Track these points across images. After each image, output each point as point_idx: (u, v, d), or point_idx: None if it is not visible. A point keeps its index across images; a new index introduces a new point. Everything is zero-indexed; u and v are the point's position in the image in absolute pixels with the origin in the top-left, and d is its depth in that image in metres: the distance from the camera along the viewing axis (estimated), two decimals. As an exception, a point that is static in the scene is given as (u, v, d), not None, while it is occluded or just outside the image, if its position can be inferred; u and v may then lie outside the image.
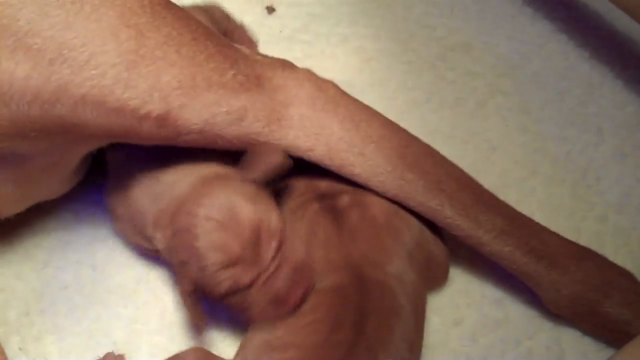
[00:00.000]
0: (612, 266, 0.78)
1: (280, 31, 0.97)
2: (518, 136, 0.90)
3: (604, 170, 0.89)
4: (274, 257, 0.70)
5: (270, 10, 0.99)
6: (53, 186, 0.78)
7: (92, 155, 0.78)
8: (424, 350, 0.73)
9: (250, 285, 0.69)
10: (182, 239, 0.69)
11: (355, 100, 0.77)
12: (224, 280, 0.68)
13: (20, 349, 0.78)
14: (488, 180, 0.79)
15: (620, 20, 0.97)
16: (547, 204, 0.86)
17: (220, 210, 0.69)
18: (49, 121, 0.64)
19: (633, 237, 0.85)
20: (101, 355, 0.77)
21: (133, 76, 0.65)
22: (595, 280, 0.76)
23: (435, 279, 0.79)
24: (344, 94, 0.76)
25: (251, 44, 0.93)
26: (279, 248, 0.70)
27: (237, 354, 0.72)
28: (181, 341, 0.78)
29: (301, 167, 0.75)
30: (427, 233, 0.76)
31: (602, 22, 0.97)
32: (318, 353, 0.67)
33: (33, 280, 0.82)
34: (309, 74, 0.75)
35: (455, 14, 0.98)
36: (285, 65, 0.75)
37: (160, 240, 0.73)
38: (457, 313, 0.78)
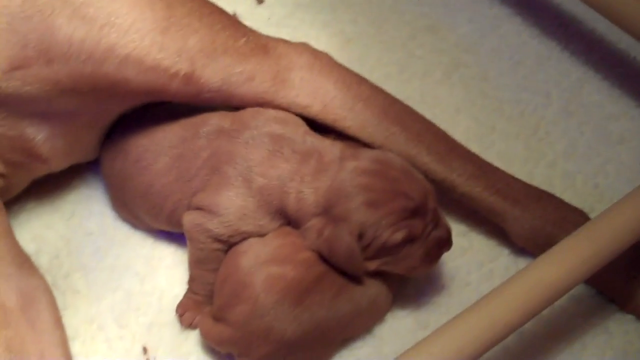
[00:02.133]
0: (566, 205, 0.87)
1: (269, 18, 1.07)
2: (479, 100, 1.00)
3: (552, 126, 0.98)
4: (435, 213, 0.77)
5: (260, 0, 1.08)
6: (91, 145, 0.88)
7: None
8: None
9: (418, 236, 0.76)
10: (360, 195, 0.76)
11: (346, 68, 0.88)
12: (402, 229, 0.75)
13: (52, 285, 0.84)
14: (454, 136, 0.89)
15: (566, 4, 1.08)
16: (504, 155, 0.95)
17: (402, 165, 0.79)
18: (99, 77, 0.76)
19: (578, 179, 0.94)
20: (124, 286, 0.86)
21: (165, 40, 0.77)
22: (552, 216, 0.85)
23: None
24: (337, 62, 0.88)
25: None
26: (436, 205, 0.78)
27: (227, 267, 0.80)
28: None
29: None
30: None
31: (549, 4, 1.08)
32: (311, 268, 0.78)
33: (61, 229, 0.91)
34: (306, 45, 0.88)
35: (423, 1, 1.08)
36: (286, 40, 0.87)
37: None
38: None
